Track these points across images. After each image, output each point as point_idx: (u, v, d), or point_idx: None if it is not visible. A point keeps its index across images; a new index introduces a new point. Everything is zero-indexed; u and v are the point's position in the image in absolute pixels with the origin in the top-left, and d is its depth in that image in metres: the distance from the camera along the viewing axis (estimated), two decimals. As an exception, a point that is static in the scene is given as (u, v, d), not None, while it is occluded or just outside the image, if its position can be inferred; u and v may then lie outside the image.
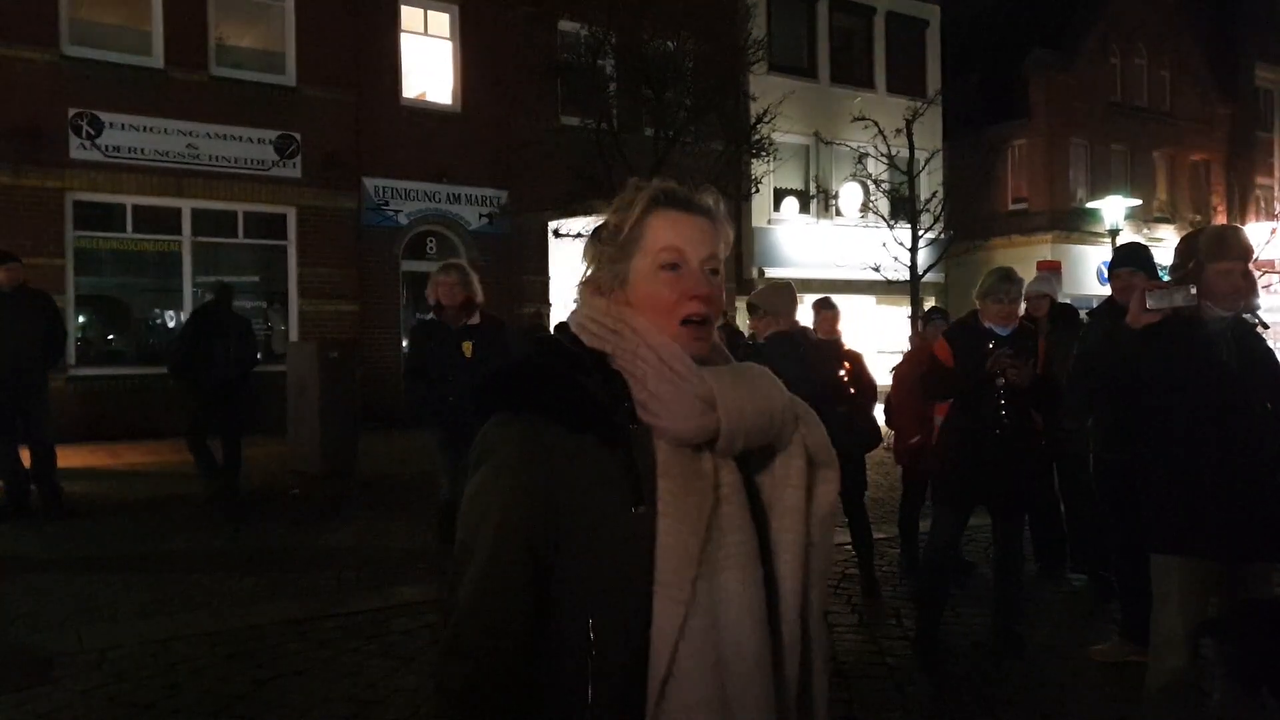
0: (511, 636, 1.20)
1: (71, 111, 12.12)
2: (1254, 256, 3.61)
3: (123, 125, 12.43)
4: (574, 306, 1.37)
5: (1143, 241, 4.85)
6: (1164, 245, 17.61)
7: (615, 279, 1.32)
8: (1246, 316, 3.20)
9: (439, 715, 1.23)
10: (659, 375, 1.23)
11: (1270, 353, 3.23)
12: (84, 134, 12.19)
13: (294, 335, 13.47)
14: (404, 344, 15.05)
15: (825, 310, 6.07)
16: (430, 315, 5.86)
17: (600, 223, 1.38)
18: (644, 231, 1.32)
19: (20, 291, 7.34)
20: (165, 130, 12.68)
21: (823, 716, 1.36)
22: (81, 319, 12.79)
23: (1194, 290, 2.94)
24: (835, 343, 5.87)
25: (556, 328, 1.36)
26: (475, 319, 5.66)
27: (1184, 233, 3.37)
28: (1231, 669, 3.20)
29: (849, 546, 5.91)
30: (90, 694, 3.89)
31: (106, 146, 12.33)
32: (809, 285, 18.89)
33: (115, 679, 4.05)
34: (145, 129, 12.57)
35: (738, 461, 1.28)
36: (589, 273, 1.36)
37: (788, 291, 5.43)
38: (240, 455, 8.29)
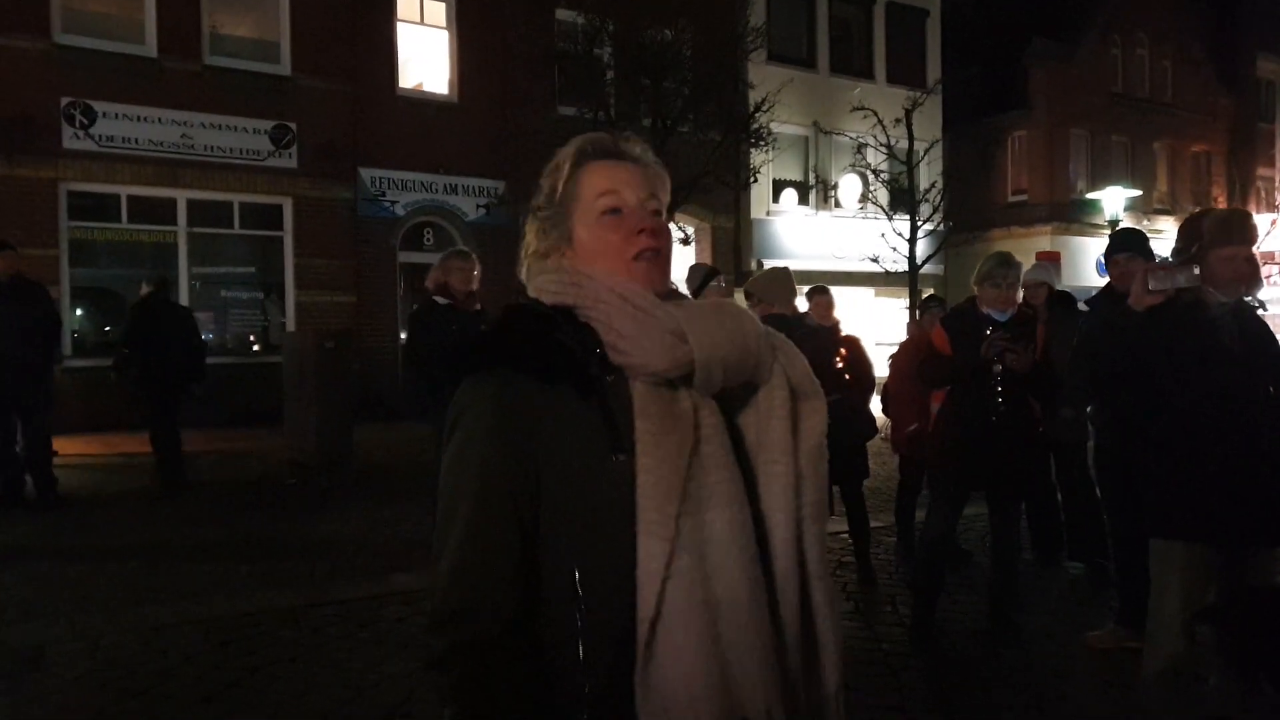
0: (502, 595, 1.17)
1: (64, 101, 12.04)
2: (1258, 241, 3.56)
3: (116, 115, 12.36)
4: (530, 278, 1.35)
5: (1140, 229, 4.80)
6: (1164, 237, 17.58)
7: (560, 240, 1.32)
8: (1249, 300, 3.16)
9: (435, 688, 1.18)
10: (623, 314, 1.22)
11: (1273, 337, 3.20)
12: (77, 123, 12.12)
13: (291, 326, 13.43)
14: (403, 331, 15.01)
15: (818, 296, 6.04)
16: (442, 301, 5.79)
17: (534, 199, 1.37)
18: (577, 187, 1.32)
19: (16, 281, 7.31)
20: (159, 120, 12.61)
21: (833, 663, 1.31)
22: (77, 310, 12.75)
23: (1197, 271, 2.89)
24: (832, 329, 5.84)
25: (516, 303, 1.35)
26: (478, 304, 5.74)
27: None
28: (1228, 656, 3.18)
29: (846, 535, 5.89)
30: (82, 681, 3.88)
31: (100, 136, 12.27)
32: (808, 277, 18.63)
33: (108, 666, 4.04)
34: (139, 118, 12.50)
35: (722, 405, 1.26)
36: (534, 245, 1.35)
37: (785, 277, 5.39)
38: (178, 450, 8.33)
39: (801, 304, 5.82)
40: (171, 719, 3.50)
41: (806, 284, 5.86)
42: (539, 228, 1.36)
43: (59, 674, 3.96)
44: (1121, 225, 14.73)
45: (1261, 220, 22.06)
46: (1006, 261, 4.37)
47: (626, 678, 1.16)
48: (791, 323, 5.05)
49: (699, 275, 5.42)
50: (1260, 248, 21.33)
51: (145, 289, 8.66)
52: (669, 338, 1.20)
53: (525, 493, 1.18)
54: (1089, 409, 5.11)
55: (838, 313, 6.11)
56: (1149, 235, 4.88)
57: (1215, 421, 2.97)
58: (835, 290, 6.41)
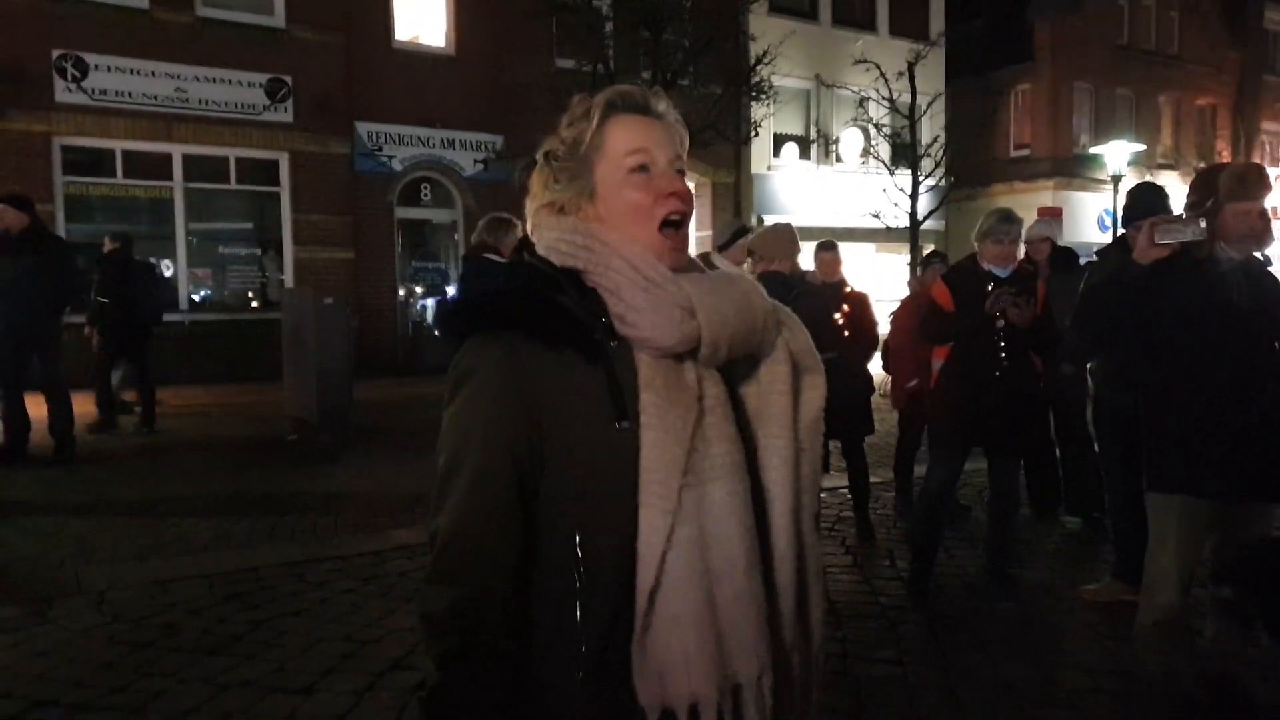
0: (500, 558, 1.18)
1: (55, 53, 11.87)
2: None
3: (108, 67, 12.19)
4: (535, 232, 1.33)
5: (1156, 183, 4.62)
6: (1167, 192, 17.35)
7: (580, 194, 1.29)
8: (1258, 255, 3.15)
9: (426, 643, 1.20)
10: (634, 285, 1.21)
11: None
12: (69, 76, 11.95)
13: (289, 283, 13.40)
14: (401, 287, 14.95)
15: (825, 253, 6.01)
16: (497, 260, 5.77)
17: (548, 145, 1.33)
18: (604, 139, 1.28)
19: (29, 234, 7.23)
20: (153, 73, 12.44)
21: (819, 625, 1.36)
22: (74, 266, 12.68)
23: (1203, 224, 2.88)
24: (837, 285, 5.81)
25: (523, 251, 1.32)
26: None
27: (1188, 180, 3.27)
28: (1226, 607, 3.21)
29: (845, 490, 5.93)
30: (89, 633, 3.92)
31: (93, 89, 12.11)
32: (809, 233, 18.55)
33: (113, 619, 4.08)
34: (132, 71, 12.33)
35: (722, 372, 1.26)
36: (545, 196, 1.32)
37: (787, 234, 5.35)
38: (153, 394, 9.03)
39: (809, 260, 5.79)
40: (178, 671, 3.54)
41: (807, 240, 5.81)
42: (549, 176, 1.32)
43: (66, 625, 4.00)
44: (1126, 184, 14.59)
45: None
46: (1008, 217, 4.36)
47: (623, 640, 1.18)
48: (791, 280, 5.02)
49: (728, 231, 5.39)
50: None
51: (110, 245, 9.01)
52: (678, 313, 1.20)
53: (528, 456, 1.18)
54: (1090, 364, 5.11)
55: (844, 270, 6.08)
56: None
57: (1217, 377, 2.97)
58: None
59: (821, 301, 5.56)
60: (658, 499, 1.16)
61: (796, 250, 5.22)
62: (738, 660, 1.20)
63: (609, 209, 1.27)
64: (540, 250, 1.29)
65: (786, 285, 4.89)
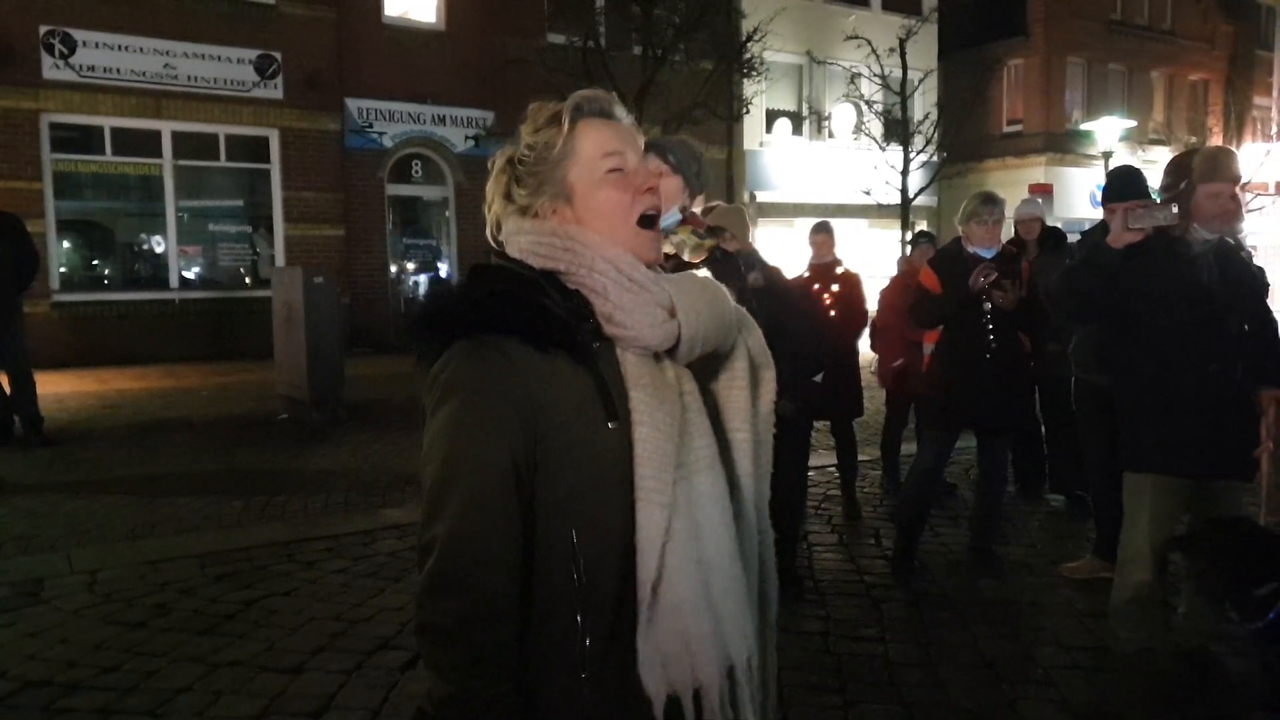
0: (505, 563, 1.19)
1: (43, 29, 11.75)
2: (1242, 180, 3.57)
3: (96, 44, 12.07)
4: (511, 236, 1.33)
5: (1136, 165, 4.67)
6: (1158, 168, 17.22)
7: (555, 198, 1.31)
8: (1229, 239, 3.20)
9: (430, 655, 1.21)
10: (619, 286, 1.24)
11: (1252, 274, 3.24)
12: (56, 53, 11.84)
13: (280, 260, 13.35)
14: (393, 265, 14.91)
15: (817, 234, 6.02)
16: None
17: (512, 152, 1.34)
18: (575, 144, 1.30)
19: None
20: (141, 49, 12.32)
21: (774, 602, 1.42)
22: (64, 244, 12.63)
23: (1175, 210, 2.94)
24: (830, 265, 5.82)
25: (496, 259, 1.34)
26: None
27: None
28: (1198, 585, 3.28)
29: (833, 468, 5.98)
30: (81, 614, 3.95)
31: (81, 66, 12.00)
32: (801, 209, 18.66)
33: (106, 599, 4.12)
34: (120, 48, 12.21)
35: (690, 369, 1.31)
36: (516, 200, 1.33)
37: (737, 216, 5.36)
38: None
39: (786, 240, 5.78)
40: (169, 651, 3.58)
41: (800, 217, 5.81)
42: (511, 182, 1.33)
43: (59, 606, 4.04)
44: (1117, 160, 14.56)
45: (1256, 150, 21.89)
46: (990, 199, 4.44)
47: (624, 633, 1.21)
48: (750, 260, 4.94)
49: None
50: (1254, 178, 21.18)
51: None
52: (661, 312, 1.24)
53: (523, 460, 1.20)
54: (1071, 343, 5.15)
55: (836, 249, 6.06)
56: (1144, 166, 4.77)
57: (1189, 357, 3.03)
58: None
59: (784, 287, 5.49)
60: (654, 494, 1.19)
61: (748, 231, 5.21)
62: (731, 643, 1.24)
63: (586, 210, 1.30)
64: (514, 253, 1.31)
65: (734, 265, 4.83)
